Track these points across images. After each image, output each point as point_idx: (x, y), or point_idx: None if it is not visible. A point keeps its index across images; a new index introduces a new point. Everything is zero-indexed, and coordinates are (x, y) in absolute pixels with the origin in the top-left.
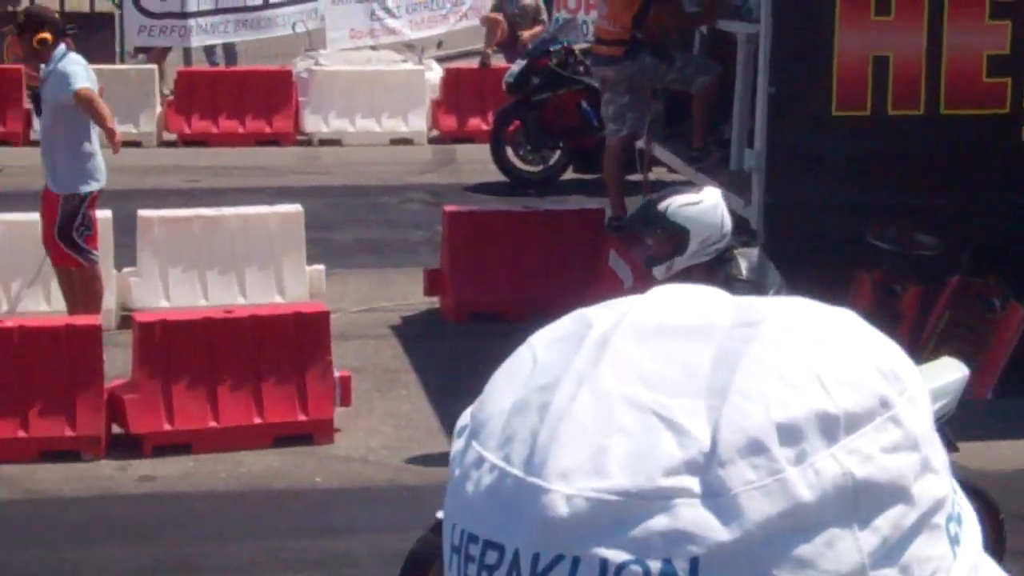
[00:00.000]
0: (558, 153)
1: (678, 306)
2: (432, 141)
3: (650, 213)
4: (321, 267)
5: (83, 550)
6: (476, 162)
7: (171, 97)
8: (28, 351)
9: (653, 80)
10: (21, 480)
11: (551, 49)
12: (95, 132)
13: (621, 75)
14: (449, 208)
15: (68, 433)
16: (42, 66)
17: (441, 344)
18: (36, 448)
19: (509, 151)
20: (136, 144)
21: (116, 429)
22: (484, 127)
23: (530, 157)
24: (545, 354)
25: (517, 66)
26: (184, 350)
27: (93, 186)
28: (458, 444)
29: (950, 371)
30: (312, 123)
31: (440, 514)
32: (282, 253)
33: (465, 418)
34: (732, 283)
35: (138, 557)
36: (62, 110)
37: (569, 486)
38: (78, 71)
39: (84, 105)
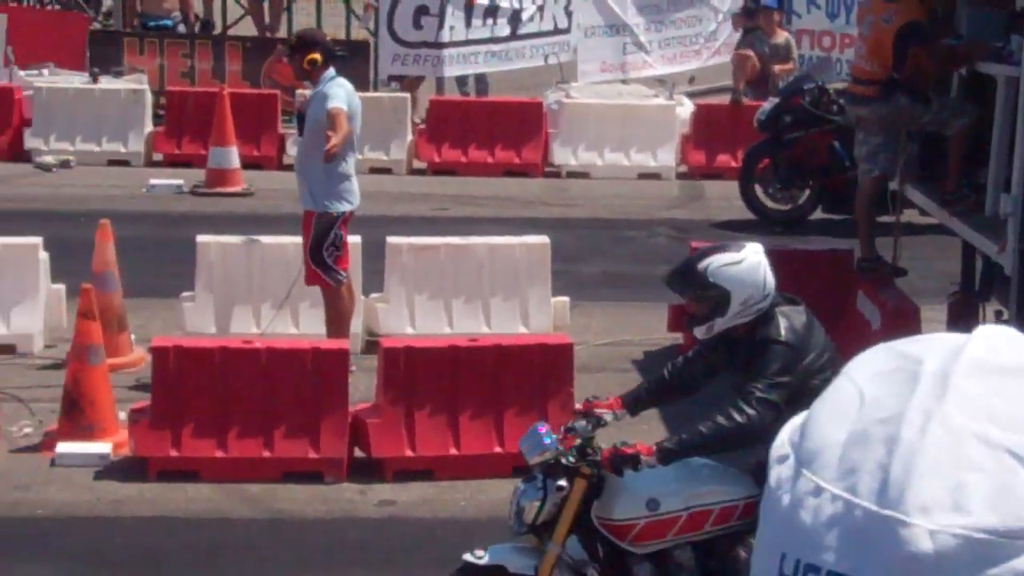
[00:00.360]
0: (807, 192)
1: (1012, 346)
2: (680, 176)
3: (690, 272)
4: (566, 299)
5: (323, 571)
6: (724, 198)
7: (422, 126)
8: (275, 373)
9: (908, 121)
10: (264, 499)
11: (804, 87)
12: (352, 154)
13: (875, 115)
14: (696, 244)
15: (311, 455)
16: (306, 88)
17: None
18: (280, 469)
19: (758, 188)
20: (387, 171)
21: (358, 453)
22: (733, 164)
23: (779, 195)
24: (873, 388)
25: (769, 104)
26: (428, 377)
27: (346, 207)
28: (781, 472)
29: None
30: (561, 155)
31: (467, 556)
32: (528, 284)
33: (784, 447)
34: (770, 345)
35: None
36: (321, 129)
37: (931, 521)
38: (338, 92)
39: (329, 120)
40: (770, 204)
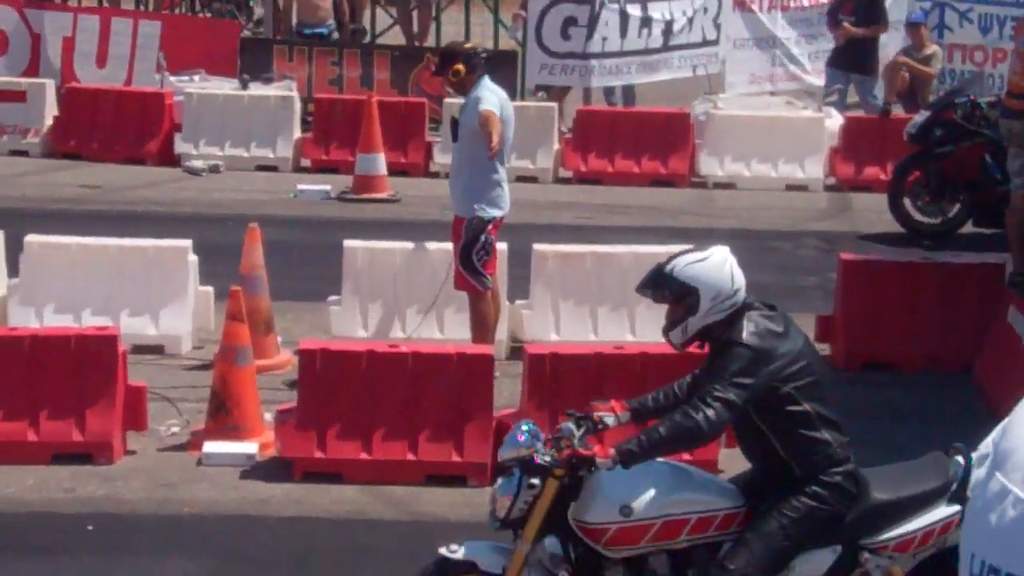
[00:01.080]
0: (958, 206)
1: None
2: (828, 188)
3: (658, 276)
4: None
5: None
6: (872, 211)
7: (569, 135)
8: (421, 377)
9: None
10: (408, 502)
11: (956, 101)
12: (505, 161)
13: None
14: (845, 256)
15: (455, 459)
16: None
17: (831, 392)
18: (423, 472)
19: (907, 202)
20: (533, 180)
21: None
22: (882, 176)
23: (928, 209)
24: None
25: (920, 116)
26: (572, 383)
27: (497, 212)
28: (979, 474)
29: None
30: (707, 166)
31: (442, 550)
32: None
33: (986, 446)
34: (732, 347)
35: None
36: (475, 135)
37: None
38: (488, 96)
39: (480, 123)
40: (919, 217)
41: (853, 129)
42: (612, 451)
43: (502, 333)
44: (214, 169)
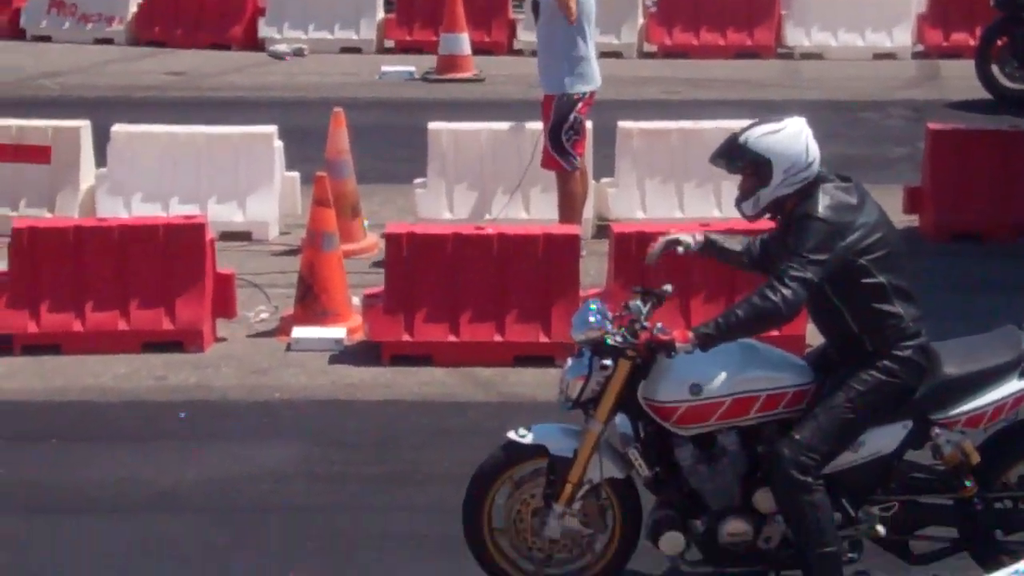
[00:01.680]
0: None
1: None
2: (916, 56)
3: (732, 146)
4: None
5: None
6: (960, 79)
7: (653, 9)
8: (507, 259)
9: None
10: (496, 383)
11: None
12: (590, 37)
13: None
14: (933, 125)
15: (543, 339)
16: None
17: (919, 263)
18: (511, 352)
19: (995, 68)
20: (617, 55)
21: None
22: (971, 43)
23: (1017, 75)
24: None
25: None
26: (659, 262)
27: (586, 88)
28: None
29: None
30: (793, 36)
31: (511, 434)
32: None
33: None
34: (807, 220)
35: None
36: (555, 11)
37: None
38: None
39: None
40: (1007, 83)
41: None
42: (690, 335)
43: (588, 212)
44: (298, 52)
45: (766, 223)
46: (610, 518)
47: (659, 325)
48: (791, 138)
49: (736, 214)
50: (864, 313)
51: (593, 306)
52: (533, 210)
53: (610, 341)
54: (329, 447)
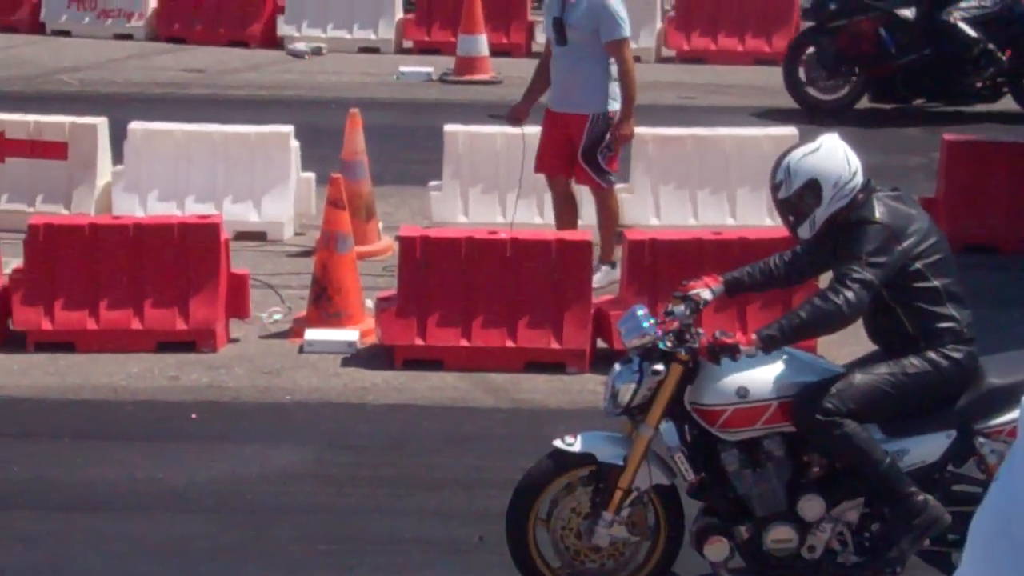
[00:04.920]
0: (853, 81)
1: None
2: None
3: (776, 176)
4: None
5: None
6: None
7: (672, 13)
8: (520, 263)
9: None
10: (507, 389)
11: None
12: None
13: None
14: (949, 136)
15: (555, 346)
16: None
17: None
18: (523, 359)
19: (803, 78)
20: (635, 59)
21: (600, 344)
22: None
23: (823, 84)
24: None
25: None
26: (671, 269)
27: (616, 106)
28: None
29: None
30: None
31: (557, 442)
32: None
33: None
34: (864, 225)
35: None
36: (592, 34)
37: None
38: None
39: (614, 54)
40: (815, 94)
41: None
42: (755, 338)
43: None
44: (316, 51)
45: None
46: (655, 525)
47: (720, 330)
48: (830, 154)
49: (749, 222)
50: (920, 315)
51: (641, 312)
52: (548, 215)
53: (662, 346)
54: (340, 450)
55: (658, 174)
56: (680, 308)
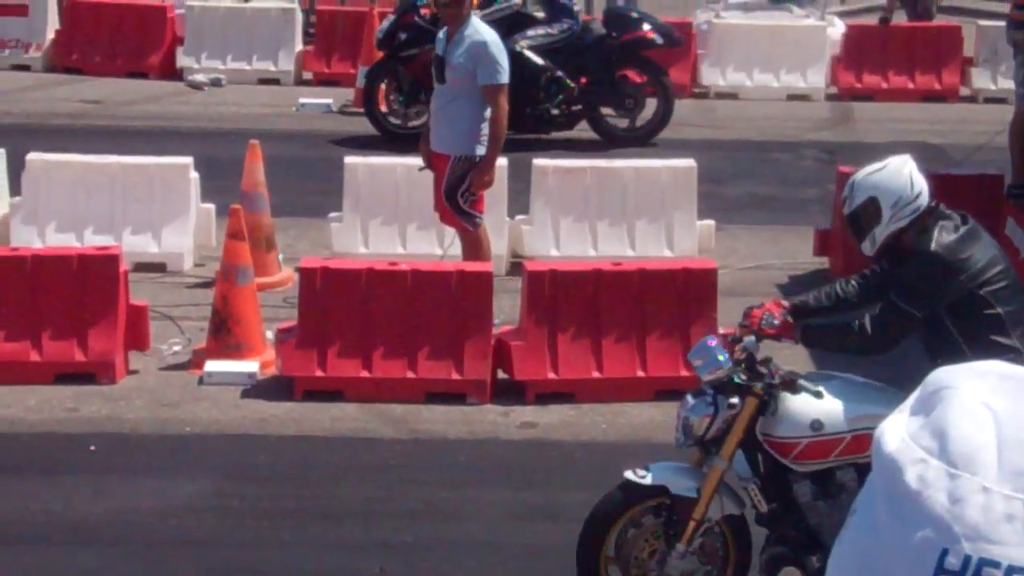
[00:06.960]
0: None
1: None
2: (829, 98)
3: (844, 192)
4: (711, 222)
5: (462, 491)
6: (873, 121)
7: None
8: (420, 295)
9: None
10: (408, 420)
11: (417, 4)
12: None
13: None
14: (844, 168)
15: (455, 376)
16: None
17: None
18: (423, 389)
19: (384, 108)
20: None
21: (501, 375)
22: (884, 85)
23: (402, 112)
24: (999, 401)
25: (387, 22)
26: (571, 300)
27: (483, 150)
28: (925, 472)
29: None
30: (709, 76)
31: (629, 474)
32: (673, 207)
33: (913, 450)
34: (918, 255)
35: (515, 502)
36: (469, 74)
37: None
38: (496, 55)
39: (488, 98)
40: (395, 121)
41: (855, 37)
42: (794, 323)
43: (501, 249)
44: (216, 83)
45: (667, 263)
46: (724, 554)
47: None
48: (894, 173)
49: (648, 253)
50: (982, 344)
51: (713, 342)
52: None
53: (737, 380)
54: (240, 482)
55: (557, 205)
56: (750, 339)
